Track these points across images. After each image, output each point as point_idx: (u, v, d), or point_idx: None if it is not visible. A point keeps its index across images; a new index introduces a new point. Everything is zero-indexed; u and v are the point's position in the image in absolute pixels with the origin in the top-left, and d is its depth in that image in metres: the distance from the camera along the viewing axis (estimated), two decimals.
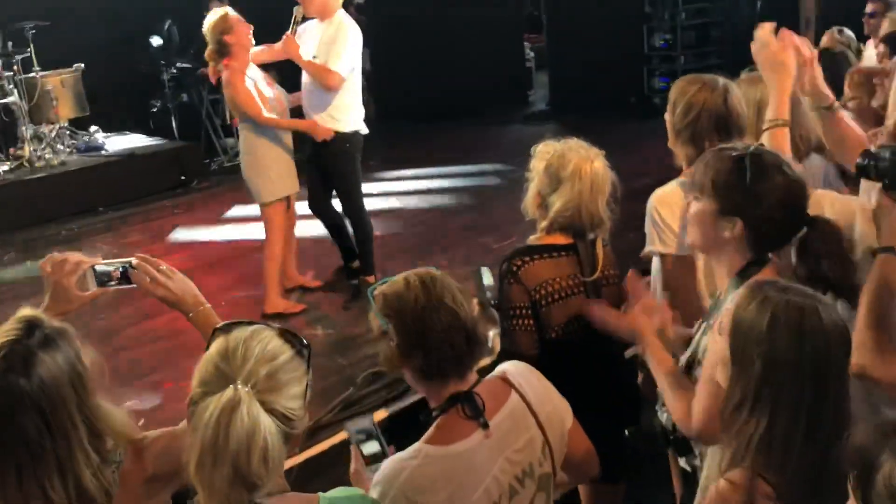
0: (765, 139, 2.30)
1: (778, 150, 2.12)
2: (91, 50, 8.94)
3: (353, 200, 5.07)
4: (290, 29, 4.80)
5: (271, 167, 4.83)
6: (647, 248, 2.67)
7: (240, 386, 1.39)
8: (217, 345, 1.48)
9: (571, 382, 2.10)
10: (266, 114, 4.72)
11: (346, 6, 11.62)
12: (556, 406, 1.96)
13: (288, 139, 4.90)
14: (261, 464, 1.37)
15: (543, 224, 2.54)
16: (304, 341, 1.55)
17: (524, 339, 2.47)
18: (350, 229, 5.21)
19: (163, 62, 9.36)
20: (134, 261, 1.95)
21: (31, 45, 8.24)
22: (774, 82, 2.30)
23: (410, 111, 10.48)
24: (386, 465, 1.79)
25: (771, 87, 2.32)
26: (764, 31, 2.31)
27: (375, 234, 5.27)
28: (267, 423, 1.38)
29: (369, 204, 5.43)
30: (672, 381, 2.03)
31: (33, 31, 8.23)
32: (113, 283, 1.96)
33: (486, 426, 1.81)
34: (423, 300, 1.82)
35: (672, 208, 2.55)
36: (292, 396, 1.46)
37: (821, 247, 1.87)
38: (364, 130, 4.99)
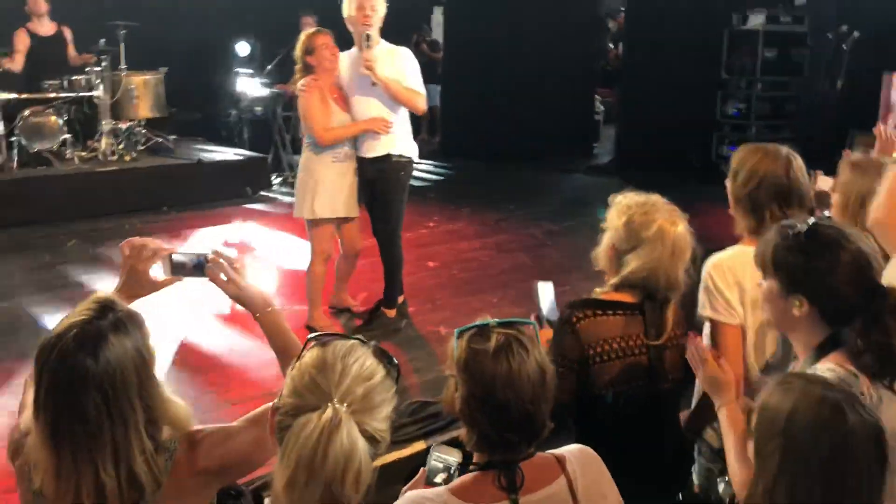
0: (891, 173, 2.21)
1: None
2: (177, 55, 9.27)
3: (391, 226, 4.96)
4: (365, 47, 4.66)
5: (322, 186, 4.84)
6: (699, 313, 2.63)
7: (338, 405, 1.36)
8: (313, 356, 1.45)
9: (613, 443, 2.05)
10: (329, 134, 4.76)
11: (418, 43, 11.88)
12: (602, 497, 1.83)
13: (350, 165, 4.88)
14: (353, 486, 1.34)
15: (614, 280, 2.46)
16: (395, 361, 1.52)
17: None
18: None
19: (240, 73, 9.64)
20: (210, 254, 1.95)
21: (122, 44, 8.57)
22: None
23: (475, 150, 10.61)
24: (409, 496, 1.75)
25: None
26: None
27: (429, 265, 5.26)
28: (363, 446, 1.36)
29: (426, 237, 5.43)
30: (740, 449, 1.97)
31: (124, 32, 8.57)
32: (187, 273, 1.97)
33: (515, 503, 1.72)
34: (505, 374, 1.71)
35: (726, 275, 2.51)
36: (383, 418, 1.43)
37: (891, 321, 1.78)
38: (416, 160, 5.00)
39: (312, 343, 1.49)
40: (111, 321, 1.59)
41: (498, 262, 6.66)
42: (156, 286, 1.98)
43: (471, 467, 1.79)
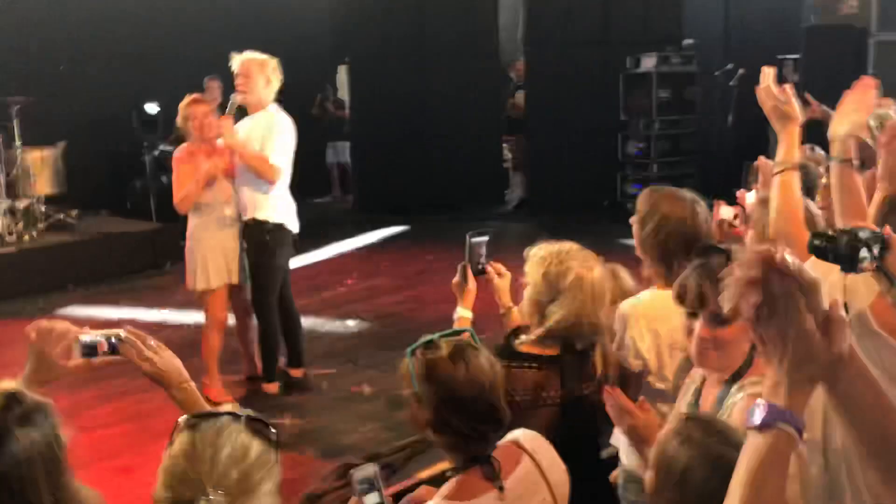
0: (775, 183, 2.31)
1: (790, 194, 2.21)
2: (75, 128, 9.03)
3: (258, 293, 4.89)
4: (228, 111, 4.76)
5: (212, 254, 4.78)
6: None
7: (213, 496, 1.32)
8: (182, 442, 1.42)
9: None
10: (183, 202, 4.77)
11: (323, 101, 11.90)
12: (562, 472, 2.03)
13: (232, 232, 4.84)
14: None
15: (539, 332, 2.50)
16: (272, 429, 1.49)
17: None
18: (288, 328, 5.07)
19: (145, 144, 9.45)
20: (123, 333, 1.94)
21: (15, 120, 8.30)
22: (782, 130, 2.32)
23: (389, 204, 10.64)
24: None
25: (779, 134, 2.34)
26: (767, 76, 2.34)
27: (348, 323, 5.23)
28: None
29: (344, 295, 5.40)
30: None
31: (18, 107, 8.30)
32: (99, 355, 1.93)
33: (501, 489, 1.88)
34: (464, 373, 1.88)
35: (640, 322, 2.55)
36: (265, 493, 1.40)
37: None
38: (293, 228, 4.89)
39: (182, 426, 1.45)
40: (17, 414, 1.51)
41: (420, 315, 6.64)
42: (66, 370, 1.92)
43: (451, 472, 1.94)
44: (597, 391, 2.50)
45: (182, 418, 1.48)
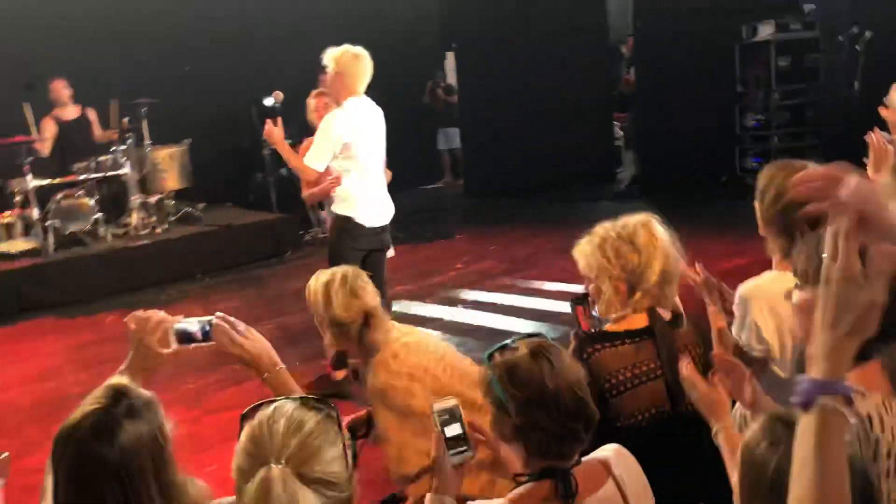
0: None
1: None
2: (198, 126, 9.47)
3: None
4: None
5: None
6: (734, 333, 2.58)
7: (274, 464, 1.37)
8: (245, 432, 1.48)
9: (647, 472, 2.00)
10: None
11: (433, 89, 11.97)
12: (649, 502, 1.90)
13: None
14: None
15: (621, 312, 2.46)
16: (331, 403, 1.52)
17: None
18: None
19: (264, 139, 9.78)
20: (214, 319, 1.98)
21: (145, 120, 8.79)
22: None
23: (499, 188, 10.66)
24: None
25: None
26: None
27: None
28: (307, 495, 1.35)
29: (454, 278, 5.41)
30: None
31: (146, 109, 8.79)
32: (194, 341, 1.99)
33: None
34: (549, 370, 1.80)
35: (761, 304, 2.45)
36: (330, 460, 1.42)
37: None
38: (366, 223, 4.82)
39: (244, 421, 1.51)
40: (124, 407, 1.60)
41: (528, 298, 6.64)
42: (165, 358, 1.99)
43: (525, 478, 1.81)
44: (696, 356, 2.43)
45: (243, 413, 1.53)
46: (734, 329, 2.54)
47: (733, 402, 2.12)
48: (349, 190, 4.82)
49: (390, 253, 5.16)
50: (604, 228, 2.51)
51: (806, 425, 1.08)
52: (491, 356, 1.87)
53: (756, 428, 1.55)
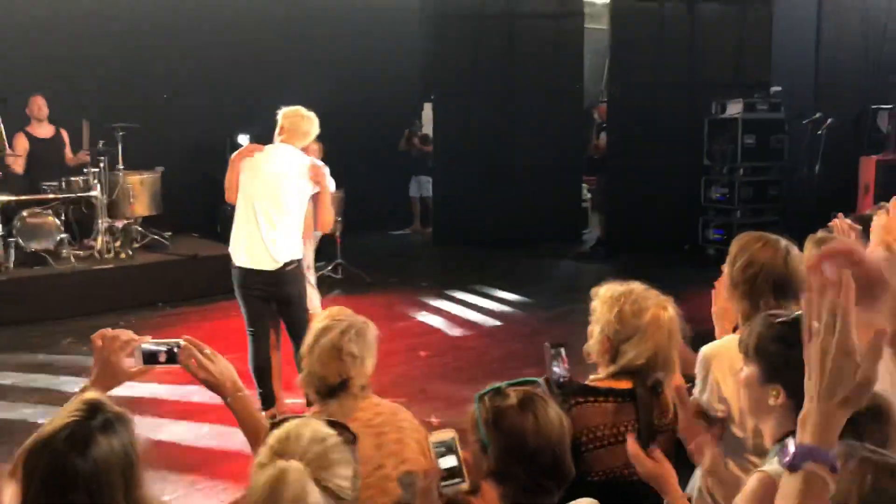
0: None
1: None
2: (172, 154, 9.49)
3: None
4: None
5: None
6: (694, 395, 2.65)
7: (291, 461, 1.46)
8: (272, 435, 1.56)
9: None
10: None
11: (411, 136, 12.12)
12: None
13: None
14: None
15: (612, 369, 2.51)
16: (351, 430, 1.62)
17: None
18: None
19: None
20: (182, 342, 2.04)
21: (120, 145, 8.78)
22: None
23: (466, 236, 10.80)
24: None
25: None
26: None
27: (420, 354, 5.28)
28: (316, 495, 1.44)
29: (417, 326, 5.44)
30: None
31: (122, 133, 8.79)
32: (159, 362, 2.04)
33: None
34: (532, 424, 1.84)
35: (722, 365, 2.51)
36: (343, 476, 1.52)
37: (868, 431, 1.63)
38: (245, 265, 4.84)
39: (273, 428, 1.59)
40: (101, 422, 1.62)
41: (491, 350, 6.70)
42: (129, 376, 2.02)
43: None
44: (673, 424, 2.48)
45: (274, 421, 1.63)
46: (696, 390, 2.61)
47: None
48: (236, 235, 4.97)
49: (314, 305, 5.23)
50: (631, 287, 2.53)
51: (789, 487, 1.11)
52: (482, 397, 1.92)
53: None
